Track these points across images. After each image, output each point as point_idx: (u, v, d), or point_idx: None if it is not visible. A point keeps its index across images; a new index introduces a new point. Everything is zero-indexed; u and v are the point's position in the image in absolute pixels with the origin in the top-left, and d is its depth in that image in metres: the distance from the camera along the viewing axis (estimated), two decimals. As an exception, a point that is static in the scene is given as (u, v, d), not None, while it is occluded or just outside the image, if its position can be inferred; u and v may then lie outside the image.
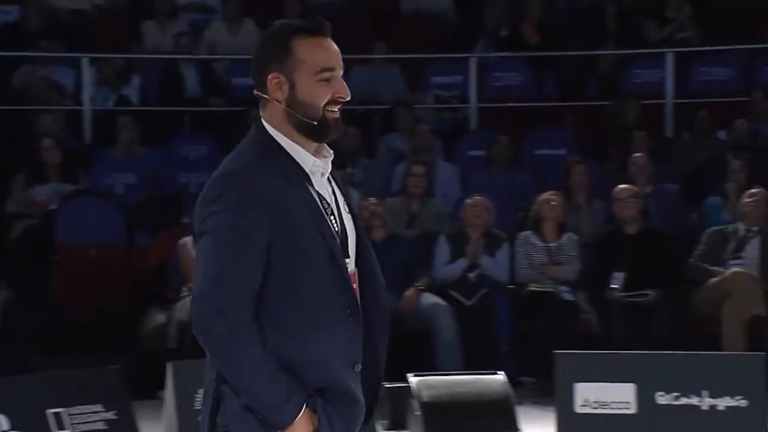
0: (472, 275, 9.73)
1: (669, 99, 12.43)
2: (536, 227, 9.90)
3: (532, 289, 9.72)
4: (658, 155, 11.17)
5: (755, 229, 9.55)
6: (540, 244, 9.85)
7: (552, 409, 7.58)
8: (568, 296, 9.73)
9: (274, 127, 3.35)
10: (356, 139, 11.58)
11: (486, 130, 12.34)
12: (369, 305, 3.38)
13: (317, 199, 3.32)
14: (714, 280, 9.35)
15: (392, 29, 13.61)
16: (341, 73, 3.34)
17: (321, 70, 3.31)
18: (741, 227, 9.59)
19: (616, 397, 7.32)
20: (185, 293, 8.93)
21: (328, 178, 3.40)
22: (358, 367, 3.34)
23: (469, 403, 6.84)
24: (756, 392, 7.23)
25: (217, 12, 13.61)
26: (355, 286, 3.35)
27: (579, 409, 7.35)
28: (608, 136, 11.94)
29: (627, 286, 9.51)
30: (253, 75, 3.39)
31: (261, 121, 3.37)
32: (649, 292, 9.48)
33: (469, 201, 10.01)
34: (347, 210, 3.41)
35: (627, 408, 7.32)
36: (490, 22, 13.67)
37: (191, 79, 12.48)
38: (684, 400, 7.31)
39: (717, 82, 12.72)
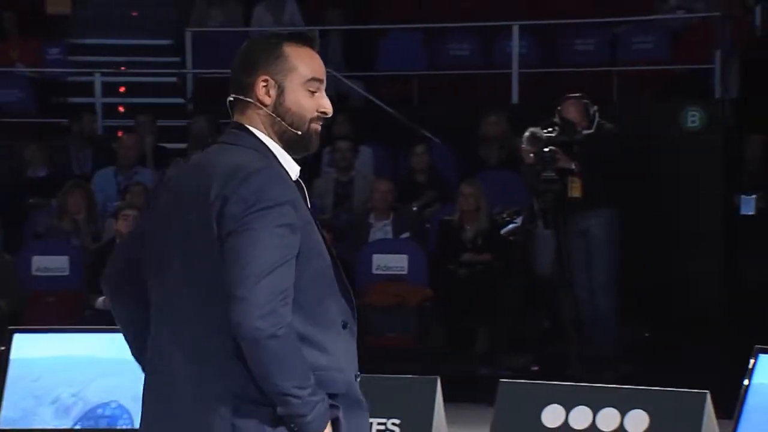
0: None
1: None
2: None
3: None
4: None
5: None
6: None
7: None
8: None
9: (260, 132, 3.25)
10: None
11: None
12: None
13: (307, 205, 3.23)
14: None
15: None
16: (324, 87, 3.29)
17: (311, 79, 3.25)
18: None
19: None
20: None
21: None
22: (359, 377, 3.28)
23: None
24: None
25: None
26: None
27: None
28: None
29: None
30: (236, 77, 3.27)
31: (243, 125, 3.27)
32: None
33: None
34: None
35: None
36: None
37: None
38: None
39: None
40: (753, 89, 11.81)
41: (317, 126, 3.29)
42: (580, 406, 6.48)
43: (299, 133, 3.25)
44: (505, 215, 10.17)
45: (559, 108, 9.56)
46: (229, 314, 3.06)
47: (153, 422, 3.27)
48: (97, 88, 13.20)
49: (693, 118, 11.12)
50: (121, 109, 13.61)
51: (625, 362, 9.58)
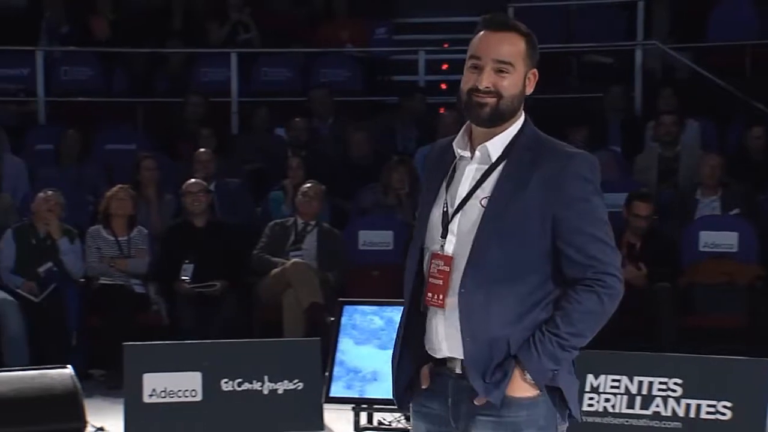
0: (41, 270, 9.77)
1: (234, 97, 12.85)
2: (106, 221, 10.06)
3: (103, 282, 9.86)
4: (224, 151, 11.59)
5: (312, 222, 10.12)
6: (110, 237, 10.00)
7: (122, 400, 7.70)
8: (139, 289, 9.94)
9: None
10: None
11: (55, 125, 12.33)
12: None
13: (443, 182, 3.61)
14: (276, 270, 9.81)
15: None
16: (494, 66, 3.50)
17: (470, 56, 3.55)
18: (299, 220, 10.14)
19: (183, 385, 7.62)
20: None
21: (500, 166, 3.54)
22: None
23: (34, 398, 6.90)
24: (311, 374, 7.72)
25: None
26: (443, 267, 3.53)
27: (147, 399, 7.57)
28: (177, 132, 12.21)
29: (196, 277, 9.78)
30: None
31: None
32: (216, 283, 9.78)
33: (41, 195, 9.94)
34: (483, 201, 3.51)
35: (194, 396, 7.63)
36: (54, 15, 13.61)
37: None
38: (247, 386, 7.69)
39: (277, 82, 13.27)
40: None
41: (474, 99, 3.51)
42: None
43: (463, 106, 3.57)
44: None
45: None
46: None
47: None
48: (421, 66, 13.36)
49: None
50: (444, 86, 13.72)
51: None
